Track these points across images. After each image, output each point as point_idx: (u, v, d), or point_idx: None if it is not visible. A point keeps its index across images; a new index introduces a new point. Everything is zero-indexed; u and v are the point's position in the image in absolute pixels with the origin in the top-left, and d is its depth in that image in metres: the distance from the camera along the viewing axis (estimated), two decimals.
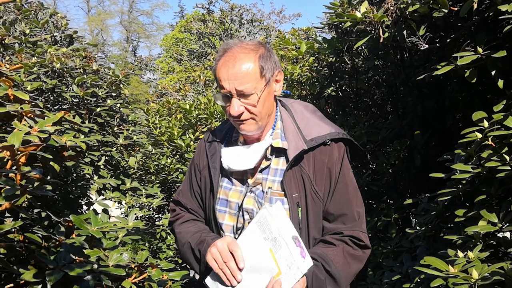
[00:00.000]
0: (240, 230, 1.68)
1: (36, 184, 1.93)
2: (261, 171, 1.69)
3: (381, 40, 2.32)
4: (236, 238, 1.69)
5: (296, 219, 1.60)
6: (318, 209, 1.62)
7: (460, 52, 2.08)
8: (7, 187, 1.68)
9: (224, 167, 1.71)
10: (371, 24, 2.32)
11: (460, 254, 1.87)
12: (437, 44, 2.41)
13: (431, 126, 3.12)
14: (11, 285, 1.94)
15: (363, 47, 3.47)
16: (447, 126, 3.07)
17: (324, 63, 3.93)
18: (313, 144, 1.63)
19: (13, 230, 2.03)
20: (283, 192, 1.63)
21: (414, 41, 2.35)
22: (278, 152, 1.69)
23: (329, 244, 1.61)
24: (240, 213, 1.68)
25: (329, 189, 1.64)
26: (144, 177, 5.29)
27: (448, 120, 3.06)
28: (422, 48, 2.35)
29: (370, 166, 3.77)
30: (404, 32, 2.28)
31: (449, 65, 2.10)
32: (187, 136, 5.13)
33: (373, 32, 2.35)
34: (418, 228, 2.51)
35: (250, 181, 1.70)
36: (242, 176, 1.73)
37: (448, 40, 2.36)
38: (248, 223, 1.67)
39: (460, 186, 2.10)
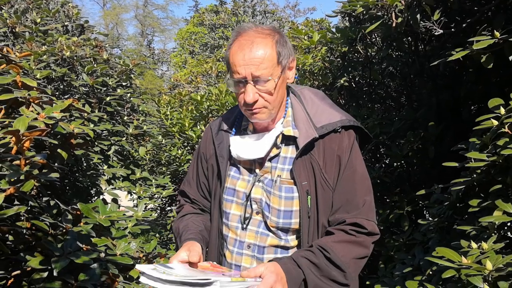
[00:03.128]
0: (247, 220, 1.65)
1: (43, 170, 1.92)
2: (270, 160, 1.65)
3: (394, 25, 2.25)
4: (244, 228, 1.66)
5: (305, 207, 1.56)
6: (327, 197, 1.58)
7: (476, 37, 2.02)
8: (11, 171, 1.67)
9: (234, 156, 1.67)
10: (384, 8, 2.26)
11: (474, 245, 1.81)
12: (452, 29, 2.33)
13: (446, 118, 3.05)
14: (18, 271, 1.94)
15: (376, 36, 3.41)
16: (463, 119, 3.00)
17: (337, 53, 3.87)
18: (324, 132, 1.58)
19: (22, 218, 2.03)
20: (292, 180, 1.59)
21: (428, 26, 2.28)
22: (288, 140, 1.64)
23: (328, 235, 1.57)
24: (248, 202, 1.65)
25: (337, 177, 1.59)
26: (155, 168, 5.30)
27: (464, 113, 2.99)
28: (436, 34, 2.28)
29: (384, 158, 3.71)
30: (418, 17, 2.21)
31: (465, 50, 2.03)
32: (198, 127, 5.11)
33: (385, 16, 2.29)
34: (430, 219, 2.45)
35: (258, 170, 1.67)
36: (250, 165, 1.69)
37: (464, 25, 2.28)
38: (256, 212, 1.65)
39: (475, 175, 2.03)
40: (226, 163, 1.71)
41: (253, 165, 1.68)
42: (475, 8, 2.31)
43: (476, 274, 1.64)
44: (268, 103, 1.57)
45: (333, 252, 1.48)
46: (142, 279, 1.39)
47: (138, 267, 1.45)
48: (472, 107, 3.11)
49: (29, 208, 2.12)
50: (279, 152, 1.65)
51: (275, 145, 1.64)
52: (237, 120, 1.78)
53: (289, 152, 1.64)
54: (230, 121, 1.79)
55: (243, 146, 1.66)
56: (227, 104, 5.05)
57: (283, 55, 1.56)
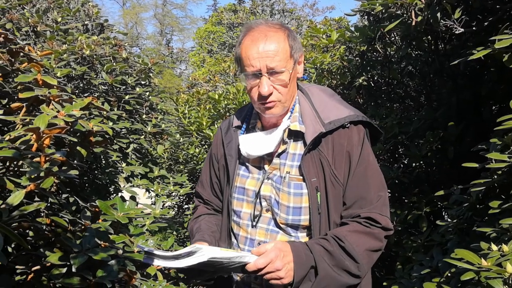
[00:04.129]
0: (257, 218, 1.66)
1: (63, 168, 1.95)
2: (278, 156, 1.66)
3: (413, 24, 2.22)
4: (254, 226, 1.67)
5: (315, 203, 1.56)
6: (338, 194, 1.58)
7: (498, 35, 1.98)
8: (32, 168, 1.70)
9: (243, 154, 1.68)
10: (403, 6, 2.23)
11: (494, 247, 1.78)
12: (474, 28, 2.29)
13: (466, 118, 3.00)
14: (38, 267, 1.97)
15: (396, 35, 3.37)
16: (483, 119, 2.94)
17: (356, 52, 3.84)
18: (331, 127, 1.58)
19: (42, 214, 2.06)
20: (301, 177, 1.59)
21: (448, 25, 2.25)
22: (296, 136, 1.65)
23: (342, 225, 1.58)
24: (258, 200, 1.66)
25: (348, 173, 1.59)
26: (173, 167, 5.33)
27: (485, 112, 2.93)
28: (457, 32, 2.24)
29: (402, 158, 3.67)
30: (438, 15, 2.18)
31: (486, 49, 2.00)
32: (216, 126, 5.12)
33: (405, 15, 2.26)
34: (449, 220, 2.42)
35: (267, 167, 1.67)
36: (259, 163, 1.70)
37: (486, 24, 2.24)
38: (266, 210, 1.65)
39: (496, 176, 2.00)
40: (235, 162, 1.73)
41: (261, 163, 1.70)
42: (497, 6, 2.27)
43: (496, 277, 1.61)
44: (282, 96, 1.59)
45: (347, 241, 1.48)
46: (144, 258, 1.44)
47: (140, 245, 1.49)
48: (493, 107, 3.05)
49: (48, 204, 2.15)
50: (287, 148, 1.65)
51: (282, 140, 1.64)
52: (246, 119, 1.79)
53: (298, 148, 1.65)
54: (239, 121, 1.81)
55: (252, 144, 1.68)
56: (244, 103, 5.05)
57: (294, 48, 1.59)
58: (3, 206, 1.58)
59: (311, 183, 1.57)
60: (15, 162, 1.83)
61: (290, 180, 1.60)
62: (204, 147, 5.17)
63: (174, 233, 5.11)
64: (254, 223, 1.66)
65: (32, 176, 1.69)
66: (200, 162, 5.00)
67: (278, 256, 1.42)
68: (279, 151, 1.65)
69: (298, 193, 1.59)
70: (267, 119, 1.68)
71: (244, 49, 1.57)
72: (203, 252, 1.35)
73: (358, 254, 1.49)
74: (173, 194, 4.75)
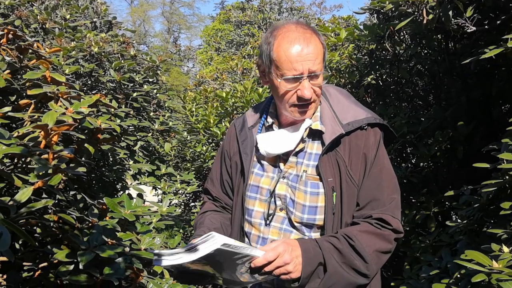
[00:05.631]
0: (271, 217, 1.65)
1: (70, 165, 1.95)
2: (295, 154, 1.65)
3: (425, 22, 2.19)
4: (267, 225, 1.66)
5: (330, 203, 1.55)
6: (352, 194, 1.57)
7: (511, 34, 1.95)
8: (40, 165, 1.70)
9: (262, 153, 1.67)
10: (414, 4, 2.20)
11: (505, 249, 1.76)
12: (486, 27, 2.26)
13: (476, 117, 2.97)
14: (45, 264, 1.97)
15: (405, 34, 3.34)
16: (493, 118, 2.91)
17: (364, 50, 3.81)
18: (350, 129, 1.58)
19: (49, 211, 2.06)
20: (318, 177, 1.58)
21: (460, 23, 2.22)
22: (314, 135, 1.64)
23: (353, 225, 1.56)
24: (272, 199, 1.65)
25: (363, 174, 1.58)
26: (180, 164, 5.33)
27: (495, 112, 2.90)
28: (469, 31, 2.22)
29: (410, 157, 3.65)
30: (450, 13, 2.15)
31: (498, 48, 1.97)
32: (223, 124, 5.12)
33: (416, 13, 2.24)
34: (459, 221, 2.40)
35: (282, 166, 1.66)
36: (275, 162, 1.69)
37: (498, 22, 2.21)
38: (280, 209, 1.64)
39: (507, 177, 1.97)
40: (250, 160, 1.72)
41: (277, 161, 1.68)
42: (510, 5, 2.24)
43: (508, 279, 1.59)
44: (317, 97, 1.59)
45: (358, 240, 1.47)
46: (155, 262, 1.42)
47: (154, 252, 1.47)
48: (503, 107, 3.02)
49: (56, 201, 2.16)
50: (304, 147, 1.64)
51: (301, 139, 1.63)
52: (262, 117, 1.78)
53: (315, 148, 1.64)
54: (254, 119, 1.79)
55: (272, 142, 1.66)
56: (252, 101, 5.04)
57: (326, 48, 1.57)
58: (11, 203, 1.58)
59: (328, 183, 1.56)
60: (23, 159, 1.84)
61: (307, 179, 1.59)
62: (211, 145, 5.17)
63: (181, 231, 5.12)
64: (268, 222, 1.65)
65: (40, 173, 1.69)
66: (207, 160, 5.00)
67: (286, 250, 1.41)
68: (297, 149, 1.64)
69: (314, 192, 1.58)
70: (287, 118, 1.67)
71: (283, 52, 1.51)
72: (216, 239, 1.33)
73: (367, 254, 1.47)
74: (180, 192, 4.75)
